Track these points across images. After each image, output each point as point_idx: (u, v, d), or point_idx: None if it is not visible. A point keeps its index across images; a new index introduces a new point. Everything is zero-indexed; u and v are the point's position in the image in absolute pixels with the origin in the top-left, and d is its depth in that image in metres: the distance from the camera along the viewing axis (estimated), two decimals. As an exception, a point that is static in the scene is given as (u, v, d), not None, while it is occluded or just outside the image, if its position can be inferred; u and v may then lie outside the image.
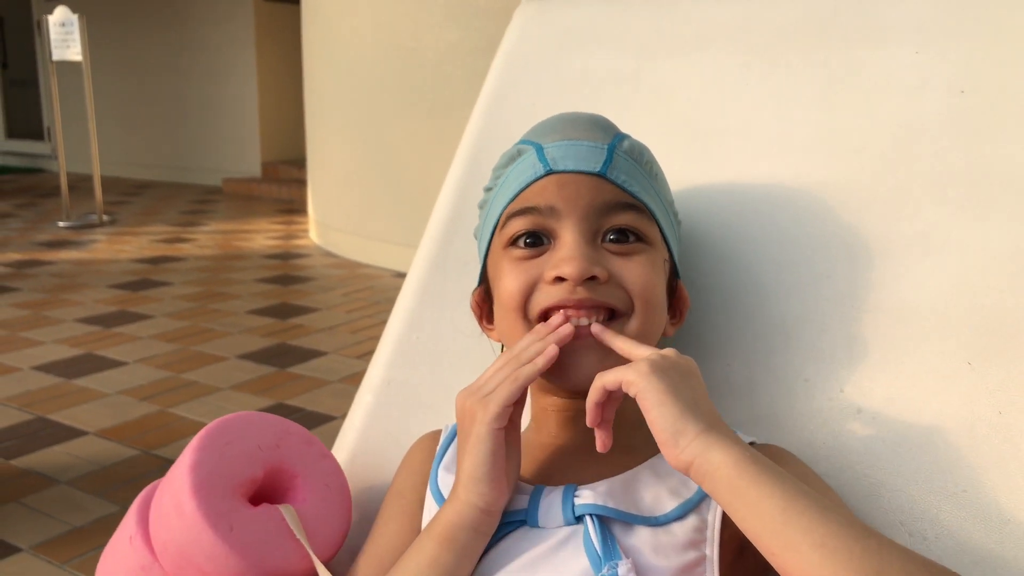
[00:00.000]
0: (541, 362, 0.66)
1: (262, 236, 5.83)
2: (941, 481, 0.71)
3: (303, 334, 3.66)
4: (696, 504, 0.65)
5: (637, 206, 0.73)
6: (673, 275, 0.78)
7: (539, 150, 0.74)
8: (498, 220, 0.75)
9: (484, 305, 0.80)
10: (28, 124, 9.56)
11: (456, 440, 0.74)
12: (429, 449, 0.80)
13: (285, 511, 0.74)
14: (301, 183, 6.24)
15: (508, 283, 0.72)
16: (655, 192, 0.76)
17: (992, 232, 0.77)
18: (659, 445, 0.60)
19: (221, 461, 0.74)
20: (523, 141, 0.78)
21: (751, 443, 0.71)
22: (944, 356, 0.75)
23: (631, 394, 0.62)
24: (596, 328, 0.68)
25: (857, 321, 0.79)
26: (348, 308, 4.07)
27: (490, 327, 0.80)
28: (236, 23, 7.81)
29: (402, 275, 3.32)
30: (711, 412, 0.62)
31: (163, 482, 0.79)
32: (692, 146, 0.94)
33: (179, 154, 8.43)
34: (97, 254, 5.20)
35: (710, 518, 0.65)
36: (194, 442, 0.75)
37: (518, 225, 0.72)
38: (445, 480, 0.73)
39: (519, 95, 1.05)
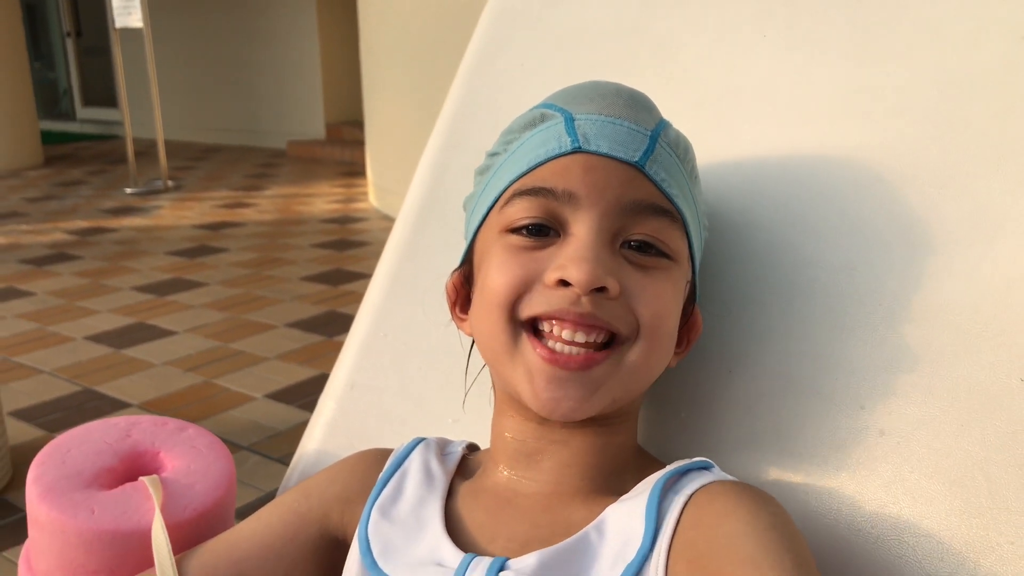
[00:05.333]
0: None
1: (322, 200, 5.81)
2: (982, 529, 0.57)
3: (353, 301, 3.60)
4: (639, 568, 0.53)
5: (671, 213, 0.60)
6: (690, 299, 0.65)
7: (569, 120, 0.61)
8: (500, 195, 0.62)
9: (462, 291, 0.68)
10: (103, 92, 9.74)
11: (401, 475, 0.65)
12: (376, 465, 0.68)
13: (147, 480, 0.72)
14: (363, 145, 6.20)
15: (497, 276, 0.59)
16: (692, 199, 0.63)
17: (1059, 214, 0.62)
18: None
19: (64, 466, 0.73)
20: (548, 105, 0.64)
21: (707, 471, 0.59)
22: (992, 370, 0.60)
23: None
24: None
25: (885, 325, 0.65)
26: (401, 274, 4.00)
27: (463, 316, 0.68)
28: (297, -16, 7.76)
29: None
30: None
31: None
32: (700, 112, 0.80)
33: (244, 117, 8.47)
34: (160, 220, 5.25)
35: None
36: (31, 464, 0.74)
37: (524, 208, 0.59)
38: (379, 528, 0.62)
39: (506, 54, 0.92)
